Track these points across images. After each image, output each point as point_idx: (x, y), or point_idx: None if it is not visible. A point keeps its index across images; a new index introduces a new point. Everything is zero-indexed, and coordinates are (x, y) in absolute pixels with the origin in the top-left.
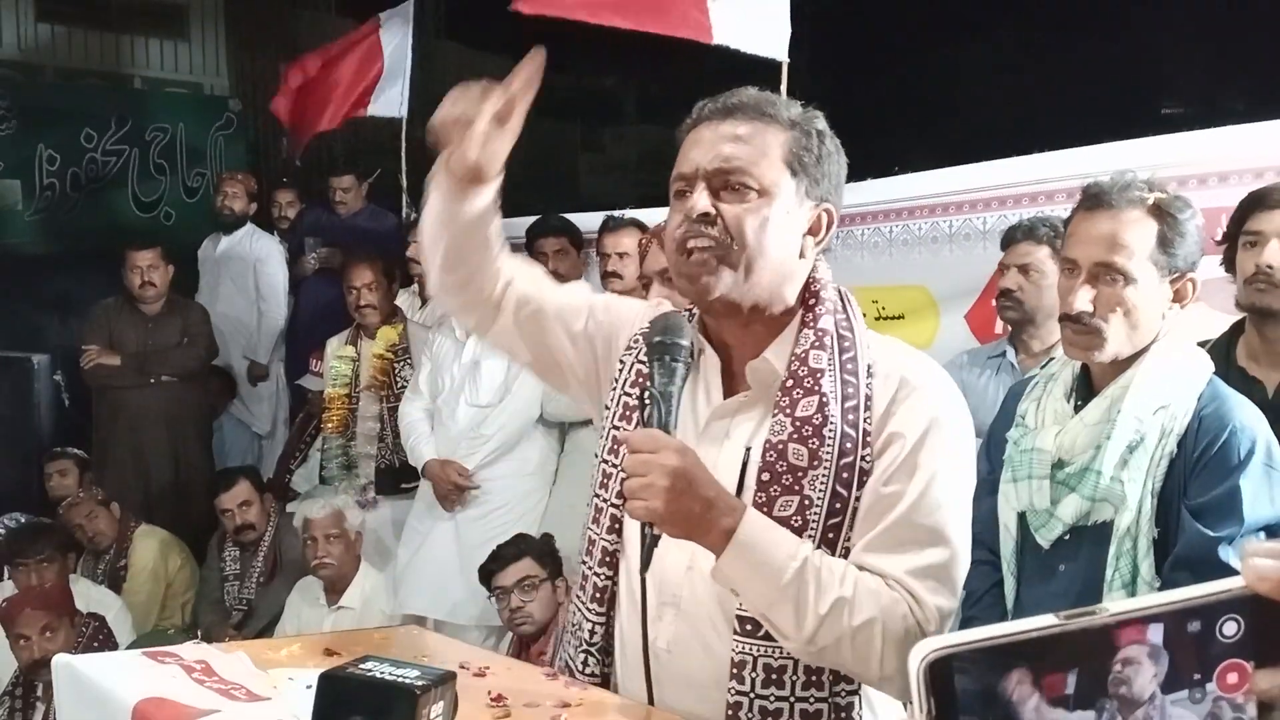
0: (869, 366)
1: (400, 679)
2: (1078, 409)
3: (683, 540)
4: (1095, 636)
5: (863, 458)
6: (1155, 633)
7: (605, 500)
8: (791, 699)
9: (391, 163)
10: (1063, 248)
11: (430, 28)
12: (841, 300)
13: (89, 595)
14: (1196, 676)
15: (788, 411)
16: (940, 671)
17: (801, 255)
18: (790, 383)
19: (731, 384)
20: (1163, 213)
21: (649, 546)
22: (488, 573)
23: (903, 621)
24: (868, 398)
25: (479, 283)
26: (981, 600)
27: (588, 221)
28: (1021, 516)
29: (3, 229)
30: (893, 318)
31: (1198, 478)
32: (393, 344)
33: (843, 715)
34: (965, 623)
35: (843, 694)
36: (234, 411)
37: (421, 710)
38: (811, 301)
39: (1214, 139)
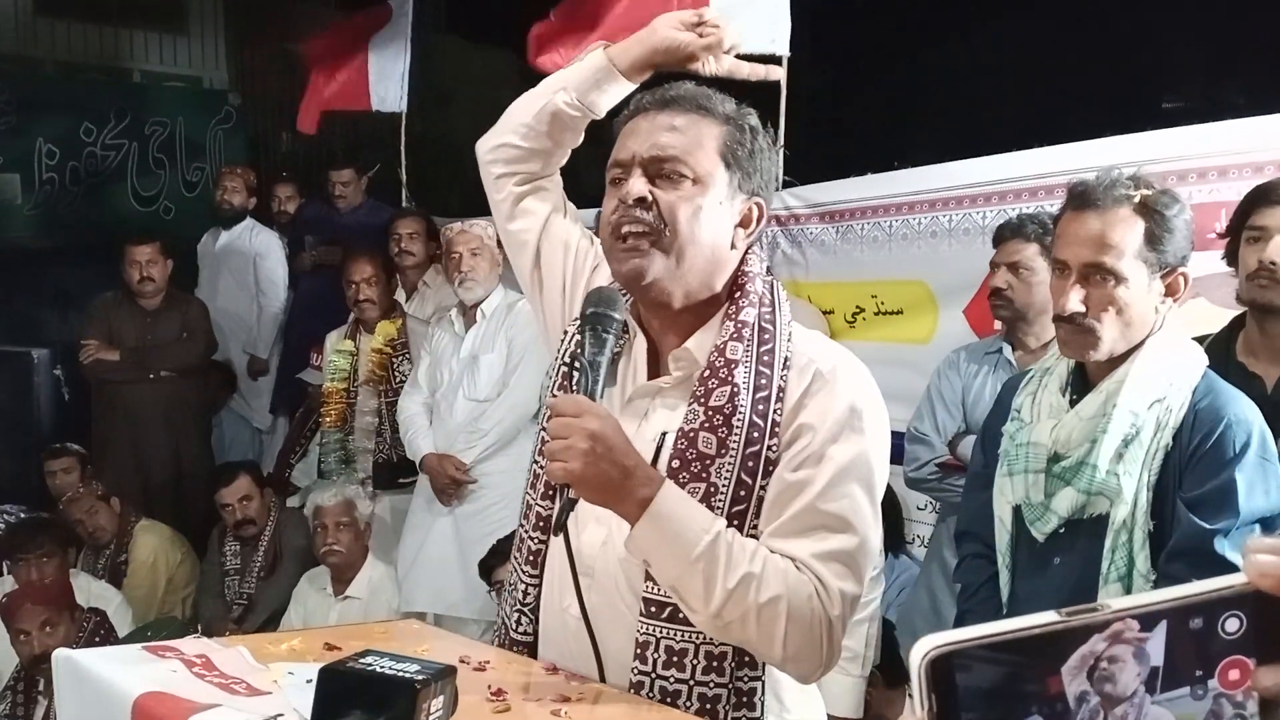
0: (785, 359)
1: (400, 673)
2: (1073, 403)
3: (602, 515)
4: (1097, 633)
5: (769, 447)
6: (1154, 630)
7: (542, 467)
8: (691, 682)
9: (391, 157)
10: (1053, 248)
11: (430, 22)
12: (771, 293)
13: (89, 590)
14: (1198, 673)
15: (701, 401)
16: (942, 668)
17: (733, 246)
18: (707, 373)
19: (657, 370)
20: (1150, 210)
21: (564, 509)
22: (488, 567)
23: (808, 602)
24: (780, 389)
25: (545, 160)
26: (977, 594)
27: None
28: (1017, 510)
29: (2, 223)
30: (892, 312)
31: (1193, 470)
32: (391, 339)
33: (744, 700)
34: (960, 616)
35: (745, 679)
36: (234, 406)
37: (421, 704)
38: (737, 294)
39: (1214, 133)
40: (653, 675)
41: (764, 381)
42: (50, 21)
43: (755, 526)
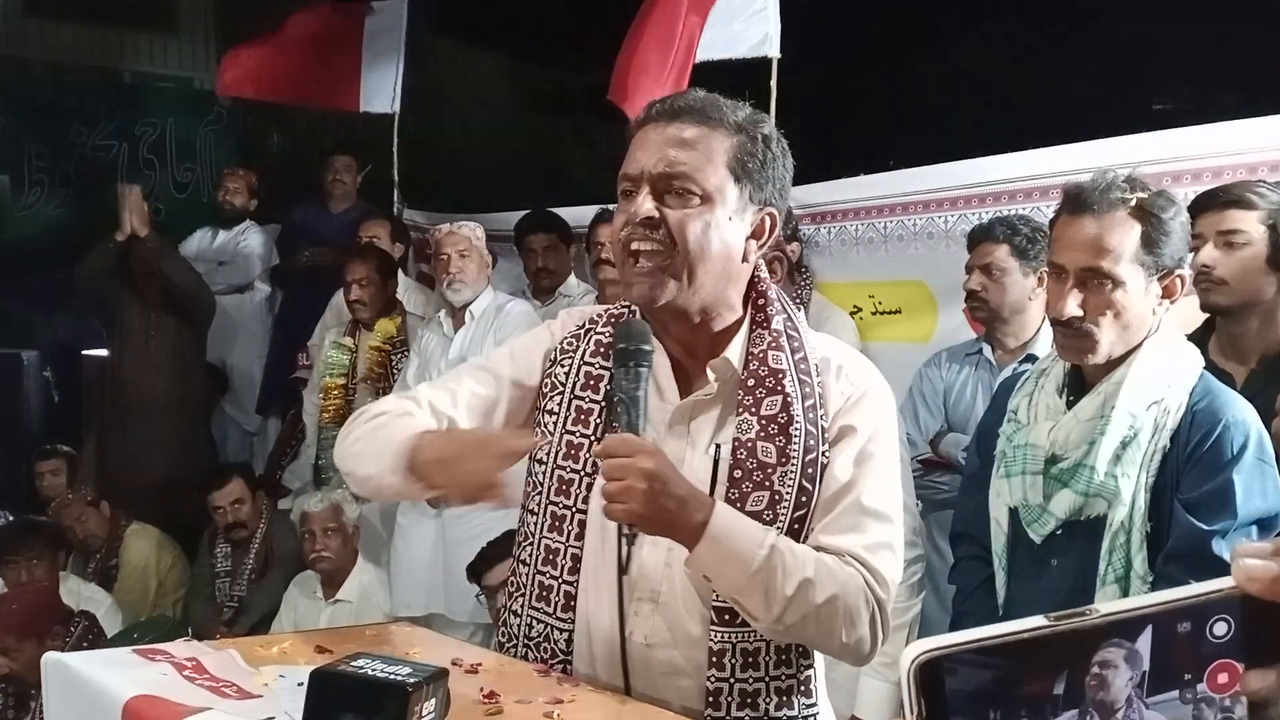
0: (816, 365)
1: (392, 676)
2: (1070, 404)
3: (659, 538)
4: (1084, 638)
5: (823, 453)
6: (1141, 635)
7: (568, 507)
8: (767, 679)
9: (383, 158)
10: (1049, 252)
11: (423, 22)
12: (782, 301)
13: (79, 592)
14: (1187, 677)
15: (752, 410)
16: (931, 673)
17: (744, 259)
18: (751, 382)
19: (684, 382)
20: (1146, 213)
21: (629, 545)
22: (476, 571)
23: (860, 594)
24: (821, 396)
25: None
26: (973, 595)
27: (581, 215)
28: (1013, 511)
29: None
30: (890, 312)
31: (1191, 472)
32: (390, 337)
33: (802, 688)
34: (957, 618)
35: (804, 668)
36: (225, 408)
37: (413, 707)
38: (760, 302)
39: (1207, 135)
40: (731, 680)
41: (808, 390)
42: (40, 22)
43: (813, 528)
